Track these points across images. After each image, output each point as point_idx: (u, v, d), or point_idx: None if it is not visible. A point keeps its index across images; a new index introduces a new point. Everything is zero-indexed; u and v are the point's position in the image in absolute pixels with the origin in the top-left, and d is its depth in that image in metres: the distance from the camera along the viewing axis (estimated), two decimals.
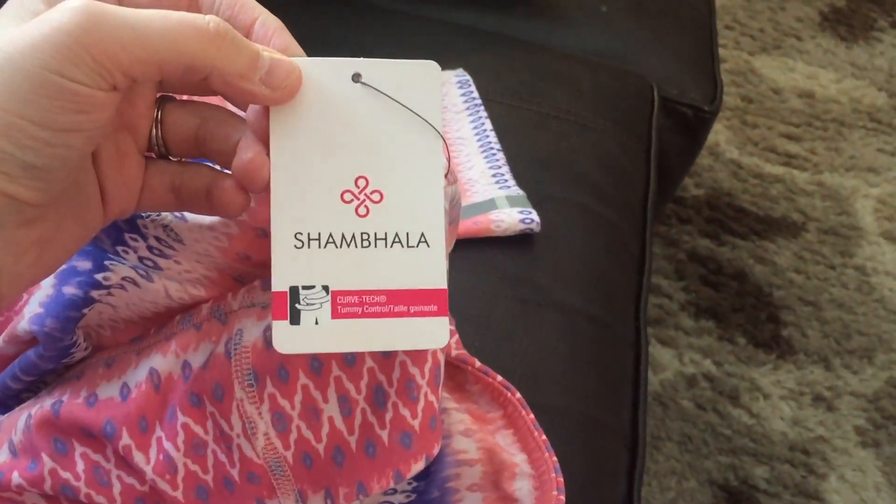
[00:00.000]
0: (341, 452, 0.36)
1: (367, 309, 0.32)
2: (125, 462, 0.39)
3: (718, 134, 1.53)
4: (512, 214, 0.67)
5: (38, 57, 0.27)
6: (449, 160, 0.34)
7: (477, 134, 0.74)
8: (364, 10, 0.89)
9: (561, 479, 0.42)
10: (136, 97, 0.33)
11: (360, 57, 0.33)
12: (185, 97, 0.34)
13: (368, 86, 0.32)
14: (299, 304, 0.31)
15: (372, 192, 0.32)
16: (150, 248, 0.37)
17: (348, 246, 0.32)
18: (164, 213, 0.36)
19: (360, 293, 0.32)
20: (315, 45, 0.77)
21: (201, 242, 0.36)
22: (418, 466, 0.36)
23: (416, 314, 0.32)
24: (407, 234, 0.32)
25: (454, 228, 0.38)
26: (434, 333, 0.32)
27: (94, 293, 0.38)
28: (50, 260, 0.32)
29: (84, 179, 0.32)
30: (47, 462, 0.39)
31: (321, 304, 0.31)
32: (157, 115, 0.33)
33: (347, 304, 0.32)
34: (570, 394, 0.63)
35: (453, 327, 0.46)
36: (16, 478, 0.40)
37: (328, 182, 0.32)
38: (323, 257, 0.32)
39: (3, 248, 0.29)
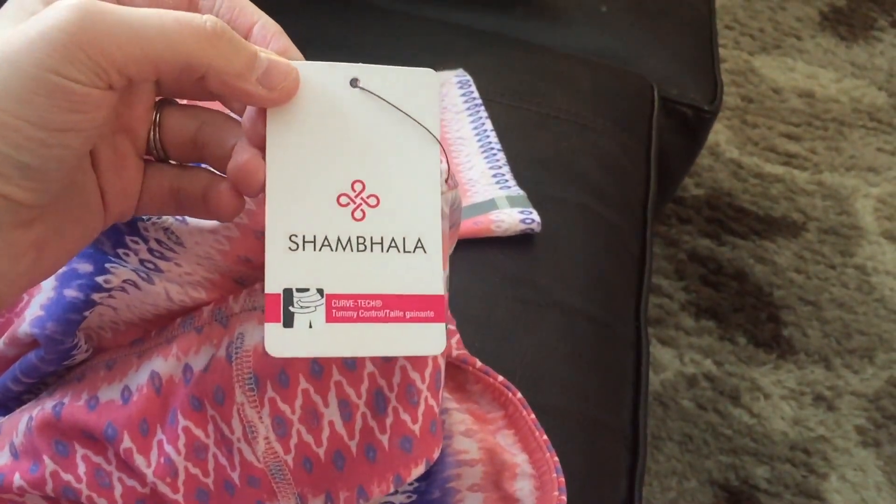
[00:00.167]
0: (342, 457, 0.36)
1: (362, 313, 0.31)
2: (126, 465, 0.39)
3: (718, 134, 1.53)
4: (512, 214, 0.67)
5: (34, 55, 0.27)
6: (449, 165, 0.34)
7: (477, 134, 0.74)
8: (364, 10, 0.89)
9: (562, 480, 0.42)
10: (134, 99, 0.33)
11: (359, 58, 0.33)
12: (184, 101, 0.34)
13: (366, 90, 0.32)
14: (293, 306, 0.31)
15: (368, 197, 0.32)
16: (150, 251, 0.37)
17: (344, 249, 0.32)
18: (164, 216, 0.36)
19: (355, 297, 0.31)
20: (315, 45, 0.77)
21: (202, 245, 0.36)
22: (419, 470, 0.36)
23: (412, 320, 0.32)
24: (403, 239, 0.32)
25: (455, 232, 0.38)
26: (430, 340, 0.32)
27: (95, 296, 0.38)
28: (49, 262, 0.32)
29: (83, 181, 0.32)
30: (49, 464, 0.39)
31: (315, 307, 0.31)
32: (155, 118, 0.33)
33: (342, 307, 0.31)
34: (570, 394, 0.63)
35: (454, 327, 0.46)
36: (17, 480, 0.40)
37: (324, 185, 0.32)
38: (318, 260, 0.31)
39: (0, 249, 0.29)
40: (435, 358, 0.36)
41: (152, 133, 0.33)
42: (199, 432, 0.37)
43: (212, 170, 0.34)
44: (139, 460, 0.38)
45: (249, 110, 0.32)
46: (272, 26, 0.32)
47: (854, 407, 1.20)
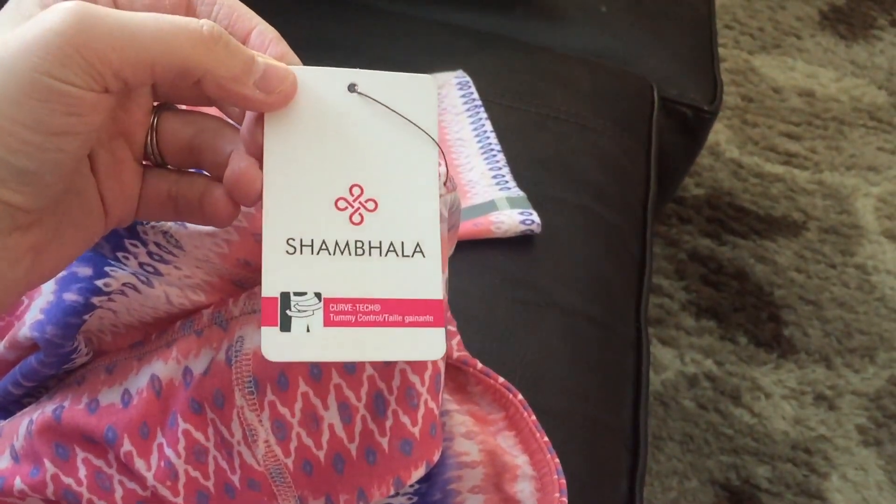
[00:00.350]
0: (342, 459, 0.36)
1: (360, 318, 0.31)
2: (127, 468, 0.39)
3: (719, 133, 1.53)
4: (512, 216, 0.67)
5: (29, 59, 0.27)
6: (447, 168, 0.34)
7: (477, 135, 0.74)
8: (363, 11, 0.89)
9: (563, 482, 0.42)
10: (132, 104, 0.33)
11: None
12: (183, 107, 0.34)
13: (364, 95, 0.32)
14: (290, 310, 0.30)
15: (366, 201, 0.32)
16: (150, 254, 0.37)
17: (342, 253, 0.31)
18: None
19: (353, 301, 0.31)
20: (314, 47, 0.77)
21: (201, 249, 0.36)
22: (419, 473, 0.36)
23: (411, 324, 0.31)
24: (402, 243, 0.32)
25: (454, 234, 0.38)
26: (429, 345, 0.32)
27: (95, 299, 0.38)
28: (48, 265, 0.32)
29: (83, 186, 0.32)
30: (49, 467, 0.39)
31: (313, 311, 0.31)
32: (153, 123, 0.33)
33: (340, 311, 0.31)
34: (571, 395, 0.63)
35: (455, 328, 0.46)
36: (18, 483, 0.40)
37: (321, 189, 0.32)
38: (315, 264, 0.31)
39: None
40: (435, 361, 0.36)
41: (149, 138, 0.33)
42: (199, 435, 0.37)
43: (210, 175, 0.34)
44: (139, 464, 0.38)
45: (248, 119, 0.32)
46: (270, 32, 0.32)
47: (855, 406, 1.20)
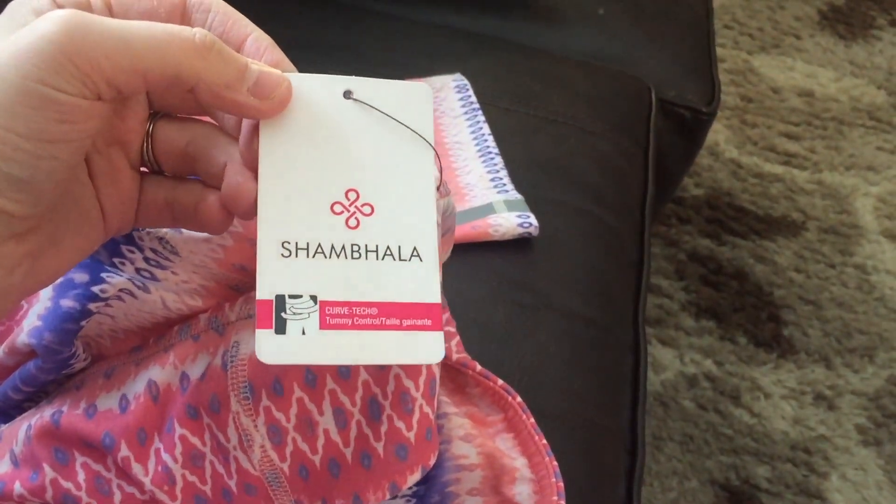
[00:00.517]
0: (337, 464, 0.37)
1: (357, 321, 0.31)
2: (125, 472, 0.39)
3: (718, 133, 1.53)
4: (510, 219, 0.67)
5: (22, 67, 0.27)
6: (441, 172, 0.34)
7: (475, 138, 0.74)
8: (361, 14, 0.89)
9: (561, 484, 0.42)
10: (127, 112, 0.33)
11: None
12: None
13: (360, 101, 0.32)
14: (285, 313, 0.30)
15: (363, 205, 0.32)
16: (146, 260, 0.37)
17: (337, 257, 0.31)
18: None
19: (349, 304, 0.31)
20: (312, 50, 0.78)
21: (197, 254, 0.37)
22: (414, 478, 0.36)
23: (409, 328, 0.31)
24: (399, 247, 0.32)
25: (449, 238, 0.38)
26: (428, 348, 0.31)
27: (92, 305, 0.38)
28: (46, 271, 0.32)
29: (81, 193, 0.32)
30: (48, 472, 0.40)
31: (309, 314, 0.30)
32: (148, 130, 0.33)
33: (336, 315, 0.31)
34: (569, 397, 0.63)
35: (454, 329, 0.46)
36: (17, 488, 0.40)
37: (317, 193, 0.32)
38: (311, 267, 0.31)
39: None
40: (429, 366, 0.36)
41: (145, 145, 0.33)
42: (195, 440, 0.37)
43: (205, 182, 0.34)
44: (137, 468, 0.38)
45: (244, 131, 0.32)
46: (265, 39, 0.32)
47: (854, 406, 1.20)
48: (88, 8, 0.30)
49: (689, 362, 1.22)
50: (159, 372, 0.38)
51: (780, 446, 1.14)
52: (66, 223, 0.32)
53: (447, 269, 0.38)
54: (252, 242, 0.36)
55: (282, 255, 0.31)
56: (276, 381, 0.36)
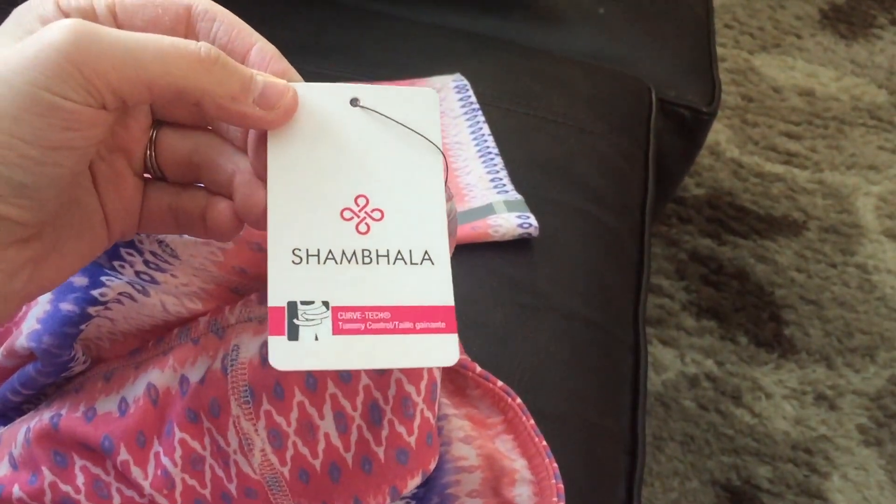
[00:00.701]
0: (337, 468, 0.37)
1: (370, 325, 0.31)
2: (124, 476, 0.39)
3: (719, 133, 1.53)
4: (510, 219, 0.67)
5: (29, 74, 0.27)
6: (447, 177, 0.34)
7: (475, 139, 0.74)
8: (361, 15, 0.89)
9: (561, 486, 0.42)
10: (130, 121, 0.33)
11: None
12: None
13: (367, 109, 0.32)
14: (298, 319, 0.30)
15: (372, 211, 0.32)
16: (146, 263, 0.37)
17: (349, 262, 0.31)
18: None
19: (362, 309, 0.31)
20: (312, 51, 0.77)
21: (197, 257, 0.37)
22: (415, 482, 0.36)
23: (422, 331, 0.31)
24: (410, 251, 0.32)
25: (452, 242, 0.38)
26: (443, 351, 0.31)
27: (91, 309, 0.38)
28: (48, 277, 0.32)
29: (84, 199, 0.32)
30: (47, 475, 0.40)
31: (321, 319, 0.30)
32: (151, 137, 0.33)
33: (349, 320, 0.31)
34: (569, 398, 0.63)
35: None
36: (16, 491, 0.40)
37: (326, 200, 0.32)
38: (322, 273, 0.31)
39: None
40: (430, 370, 0.36)
41: (148, 153, 0.34)
42: (195, 444, 0.37)
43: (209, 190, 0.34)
44: (136, 472, 0.38)
45: (252, 141, 0.32)
46: (270, 49, 0.32)
47: (856, 406, 1.20)
48: (93, 16, 0.30)
49: (689, 362, 1.22)
50: (159, 375, 0.38)
51: (782, 446, 1.14)
52: (69, 229, 0.32)
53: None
54: (251, 246, 0.36)
55: (293, 262, 0.31)
56: (277, 384, 0.36)
